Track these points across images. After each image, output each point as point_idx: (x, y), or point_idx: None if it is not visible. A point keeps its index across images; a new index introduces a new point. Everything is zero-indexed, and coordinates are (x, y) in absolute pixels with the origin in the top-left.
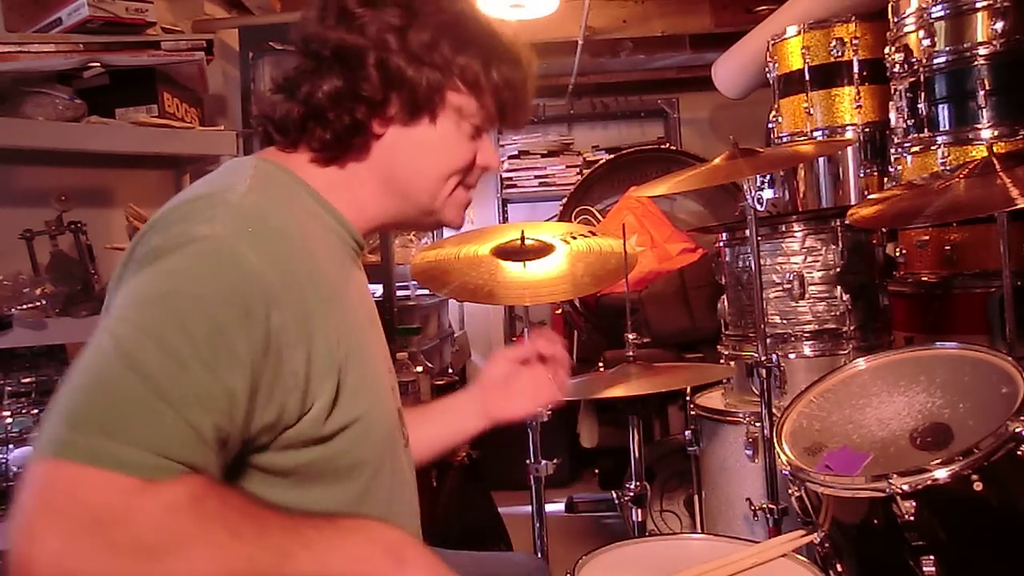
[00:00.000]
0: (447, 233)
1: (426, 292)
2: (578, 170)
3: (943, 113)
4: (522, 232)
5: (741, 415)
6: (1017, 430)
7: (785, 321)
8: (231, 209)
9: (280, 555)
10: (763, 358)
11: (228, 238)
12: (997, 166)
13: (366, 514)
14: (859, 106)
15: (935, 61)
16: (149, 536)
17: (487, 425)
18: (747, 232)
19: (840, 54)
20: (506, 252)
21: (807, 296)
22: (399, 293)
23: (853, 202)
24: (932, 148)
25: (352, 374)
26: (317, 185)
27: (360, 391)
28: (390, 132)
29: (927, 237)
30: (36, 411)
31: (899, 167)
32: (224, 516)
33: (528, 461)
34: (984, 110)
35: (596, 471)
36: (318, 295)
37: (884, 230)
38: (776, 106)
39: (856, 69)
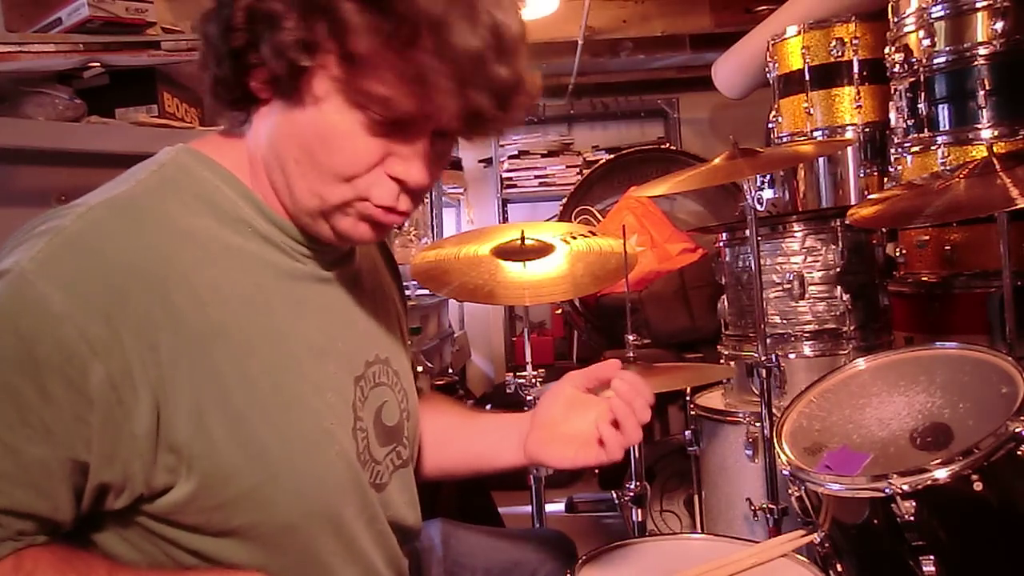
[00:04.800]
0: (447, 232)
1: (426, 292)
2: (578, 170)
3: (943, 113)
4: (522, 232)
5: (741, 415)
6: (1017, 430)
7: (785, 321)
8: (59, 234)
9: None
10: (763, 358)
11: (32, 275)
12: (997, 166)
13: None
14: (859, 106)
15: (935, 61)
16: None
17: (523, 462)
18: (747, 232)
19: (840, 54)
20: (506, 252)
21: (807, 296)
22: None
23: (853, 202)
24: (932, 148)
25: (243, 432)
26: (247, 177)
27: (258, 454)
28: (272, 101)
29: (927, 237)
30: None
31: (899, 167)
32: None
33: None
34: (984, 110)
35: (596, 471)
36: (185, 334)
37: (884, 230)
38: (776, 106)
39: (856, 69)
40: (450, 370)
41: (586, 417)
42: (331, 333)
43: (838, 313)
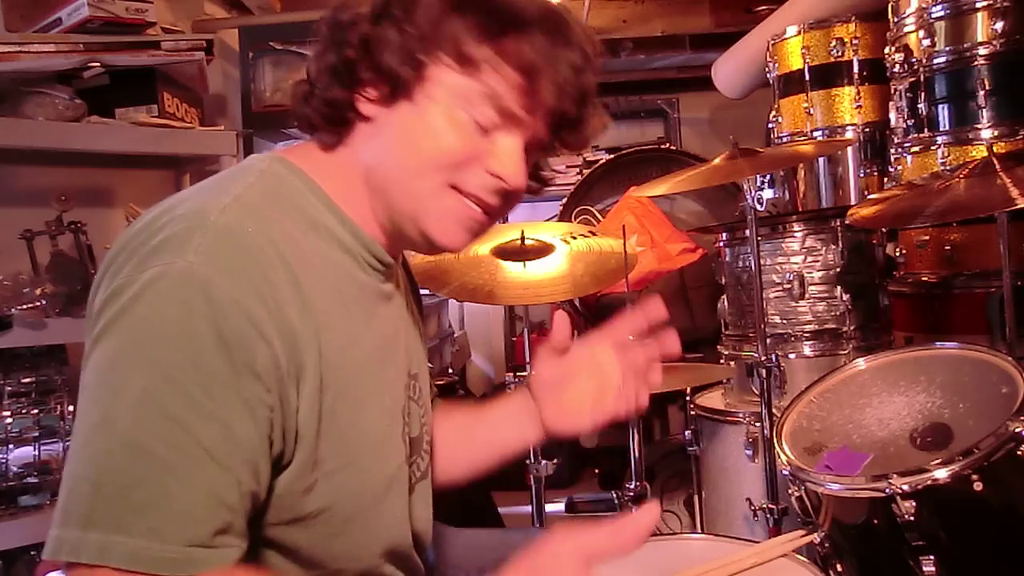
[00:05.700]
0: None
1: (426, 292)
2: (578, 170)
3: (943, 113)
4: (522, 232)
5: (741, 415)
6: (1017, 430)
7: (785, 321)
8: (207, 229)
9: None
10: (763, 358)
11: (198, 266)
12: (997, 166)
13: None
14: (859, 106)
15: (935, 61)
16: None
17: (544, 436)
18: (747, 232)
19: (840, 54)
20: (506, 252)
21: (807, 296)
22: None
23: (853, 202)
24: (932, 148)
25: (333, 421)
26: (330, 188)
27: (339, 443)
28: (379, 115)
29: (927, 237)
30: (36, 411)
31: (899, 167)
32: None
33: (528, 461)
34: (984, 110)
35: (596, 471)
36: (308, 327)
37: (884, 230)
38: (776, 106)
39: (856, 69)
40: (450, 370)
41: (583, 378)
42: (388, 343)
43: (838, 313)
